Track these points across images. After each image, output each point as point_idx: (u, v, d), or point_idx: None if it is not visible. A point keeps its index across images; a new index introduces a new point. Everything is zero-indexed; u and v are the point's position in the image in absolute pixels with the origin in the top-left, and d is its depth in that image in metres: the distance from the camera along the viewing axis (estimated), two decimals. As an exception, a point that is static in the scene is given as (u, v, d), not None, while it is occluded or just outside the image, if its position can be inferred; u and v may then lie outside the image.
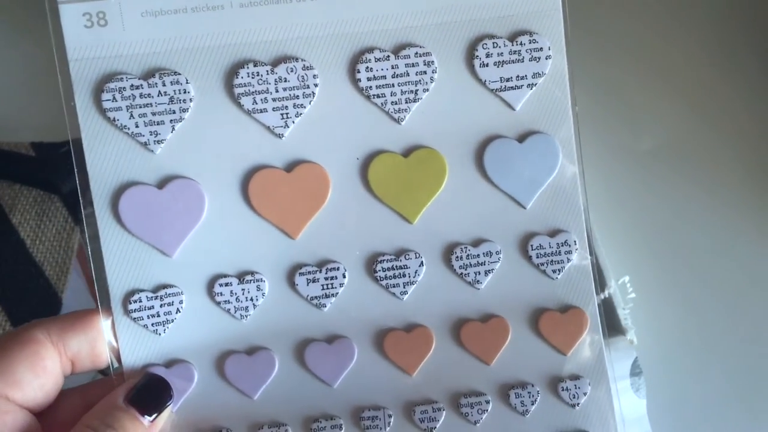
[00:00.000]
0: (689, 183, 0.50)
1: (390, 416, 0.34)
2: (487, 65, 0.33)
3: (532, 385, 0.34)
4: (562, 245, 0.34)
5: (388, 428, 0.34)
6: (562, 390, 0.34)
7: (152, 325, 0.33)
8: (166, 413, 0.32)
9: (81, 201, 0.32)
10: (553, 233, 0.34)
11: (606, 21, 0.51)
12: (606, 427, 0.34)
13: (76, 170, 0.31)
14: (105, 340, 0.32)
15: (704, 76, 0.51)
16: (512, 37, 0.33)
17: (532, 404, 0.34)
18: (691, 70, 0.51)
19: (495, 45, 0.33)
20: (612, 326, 0.48)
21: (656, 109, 0.51)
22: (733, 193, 0.50)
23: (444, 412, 0.34)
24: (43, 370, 0.31)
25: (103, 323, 0.32)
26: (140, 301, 0.32)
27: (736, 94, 0.51)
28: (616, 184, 0.50)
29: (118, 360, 0.33)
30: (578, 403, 0.34)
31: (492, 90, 0.33)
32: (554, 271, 0.34)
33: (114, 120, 0.31)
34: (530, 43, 0.33)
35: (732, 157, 0.50)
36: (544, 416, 0.34)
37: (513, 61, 0.33)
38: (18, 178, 0.49)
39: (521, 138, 0.34)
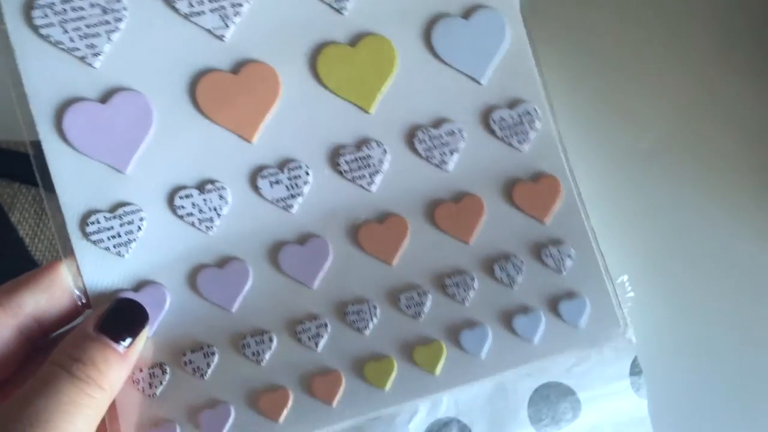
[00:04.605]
0: (688, 182, 0.49)
1: (375, 307, 0.32)
2: (420, -56, 0.33)
3: (515, 256, 0.33)
4: (524, 115, 0.34)
5: (375, 319, 0.32)
6: (546, 256, 0.33)
7: (114, 246, 0.31)
8: (143, 338, 0.31)
9: (23, 126, 0.30)
10: (513, 104, 0.34)
11: (604, 19, 0.51)
12: (599, 284, 0.33)
13: (15, 99, 0.30)
14: (63, 280, 0.30)
15: (703, 74, 0.51)
16: None
17: (518, 274, 0.33)
18: (690, 68, 0.51)
19: None
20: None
21: (654, 108, 0.50)
22: (732, 192, 0.50)
23: (430, 295, 0.33)
24: None
25: (62, 256, 0.31)
26: (98, 222, 0.31)
27: (735, 93, 0.50)
28: (615, 182, 0.49)
29: (86, 295, 0.31)
30: (564, 267, 0.33)
31: (429, -32, 0.33)
32: (520, 142, 0.34)
33: (48, 36, 0.30)
34: None
35: (731, 156, 0.50)
36: (533, 285, 0.33)
37: (445, -63, 0.33)
38: (17, 177, 0.48)
39: (466, 14, 0.33)
